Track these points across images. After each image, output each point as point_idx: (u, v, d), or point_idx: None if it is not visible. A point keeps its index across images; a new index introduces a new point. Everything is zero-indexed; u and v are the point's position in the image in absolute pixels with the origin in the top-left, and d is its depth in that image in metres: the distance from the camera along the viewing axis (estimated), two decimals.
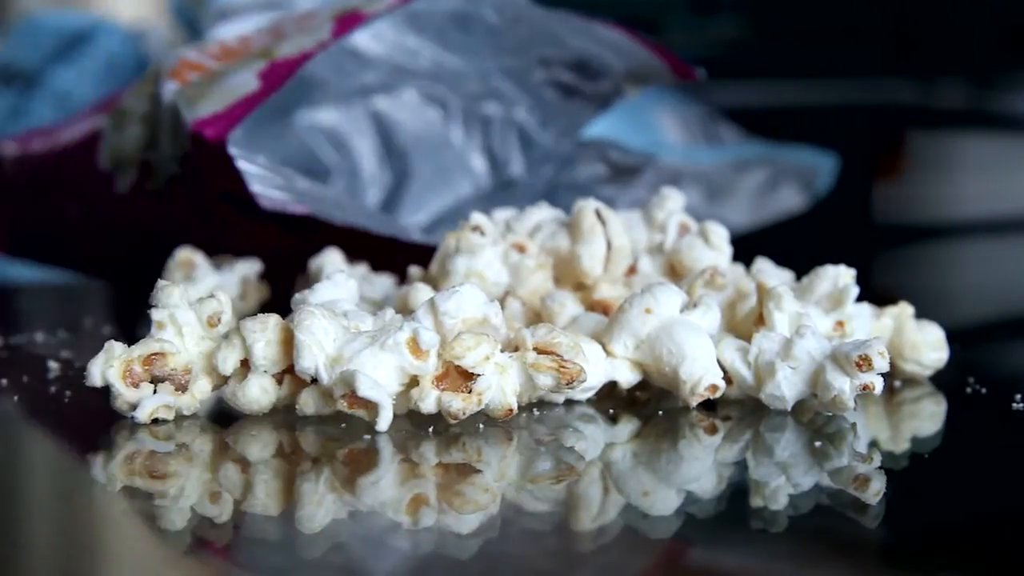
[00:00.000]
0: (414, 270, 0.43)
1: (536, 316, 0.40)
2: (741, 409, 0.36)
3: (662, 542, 0.26)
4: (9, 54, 0.86)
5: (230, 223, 0.50)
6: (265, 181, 0.47)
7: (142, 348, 0.34)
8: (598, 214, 0.40)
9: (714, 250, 0.41)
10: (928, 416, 0.37)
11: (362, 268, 0.47)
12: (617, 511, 0.28)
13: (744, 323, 0.38)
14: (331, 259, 0.46)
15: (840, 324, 0.38)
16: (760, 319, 0.37)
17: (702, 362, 0.35)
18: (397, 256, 0.48)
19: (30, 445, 0.36)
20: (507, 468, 0.31)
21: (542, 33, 0.56)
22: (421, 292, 0.39)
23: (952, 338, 0.40)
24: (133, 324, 0.51)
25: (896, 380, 0.40)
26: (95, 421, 0.36)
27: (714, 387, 0.35)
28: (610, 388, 0.36)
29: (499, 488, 0.29)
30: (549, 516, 0.28)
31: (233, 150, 0.46)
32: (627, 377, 0.36)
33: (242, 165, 0.47)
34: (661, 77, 0.57)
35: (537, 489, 0.29)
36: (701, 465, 0.32)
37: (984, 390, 0.38)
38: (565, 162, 0.64)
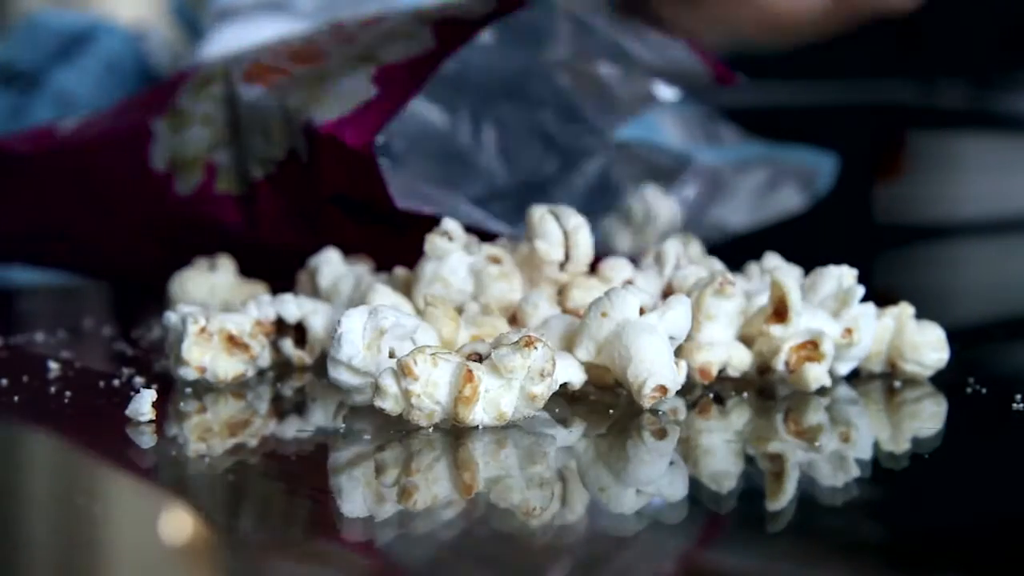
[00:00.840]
0: (400, 271, 0.43)
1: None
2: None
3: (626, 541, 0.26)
4: (9, 54, 0.86)
5: (334, 224, 0.50)
6: (395, 184, 0.48)
7: None
8: (550, 211, 0.41)
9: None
10: (928, 416, 0.37)
11: (361, 267, 0.47)
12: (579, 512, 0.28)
13: (755, 321, 0.38)
14: (329, 258, 0.46)
15: (848, 331, 0.37)
16: (774, 316, 0.37)
17: (648, 363, 0.34)
18: None
19: (30, 445, 0.36)
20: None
21: (586, 29, 0.56)
22: (379, 294, 0.40)
23: (952, 338, 0.40)
24: (132, 324, 0.51)
25: (896, 380, 0.40)
26: (95, 421, 0.36)
27: (662, 388, 0.34)
28: (575, 391, 0.36)
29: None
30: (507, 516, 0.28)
31: (381, 157, 0.47)
32: (575, 378, 0.36)
33: (384, 170, 0.48)
34: (701, 78, 0.57)
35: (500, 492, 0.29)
36: (651, 469, 0.31)
37: (984, 390, 0.38)
38: (603, 163, 0.64)
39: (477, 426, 0.33)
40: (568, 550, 0.26)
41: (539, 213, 0.41)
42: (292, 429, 0.35)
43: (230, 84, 0.52)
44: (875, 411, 0.37)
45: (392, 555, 0.25)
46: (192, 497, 0.29)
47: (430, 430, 0.33)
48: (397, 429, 0.33)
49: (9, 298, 0.65)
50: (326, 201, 0.49)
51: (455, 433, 0.33)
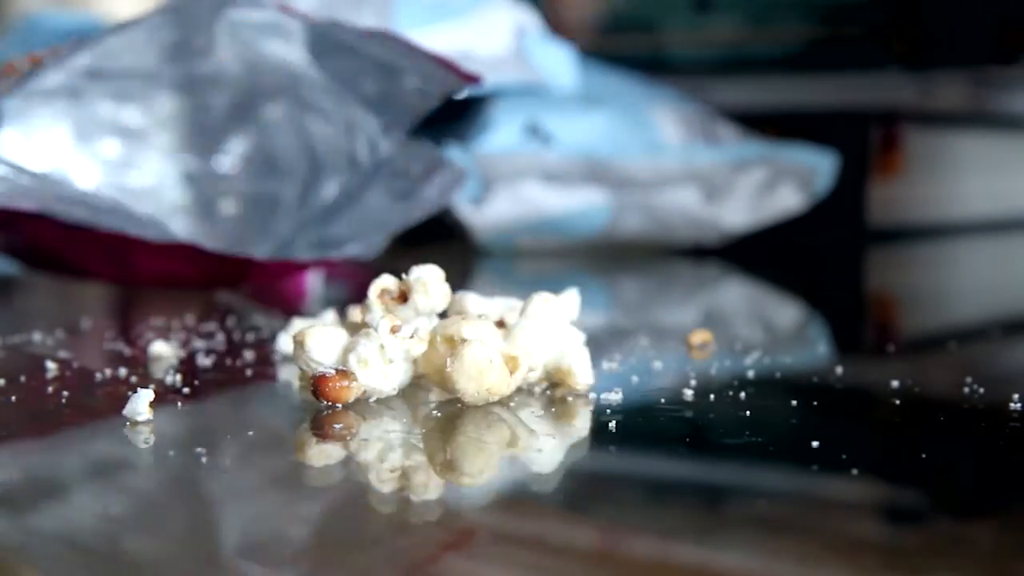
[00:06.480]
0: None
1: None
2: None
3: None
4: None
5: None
6: None
7: None
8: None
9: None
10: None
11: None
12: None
13: None
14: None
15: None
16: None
17: None
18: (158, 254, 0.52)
19: (28, 445, 0.36)
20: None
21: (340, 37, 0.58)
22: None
23: (950, 338, 0.40)
24: (131, 324, 0.51)
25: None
26: (93, 422, 0.36)
27: None
28: None
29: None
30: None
31: None
32: None
33: None
34: (450, 83, 0.57)
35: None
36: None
37: (982, 390, 0.38)
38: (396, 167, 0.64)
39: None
40: None
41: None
42: (288, 427, 0.36)
43: None
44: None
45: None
46: (190, 497, 0.29)
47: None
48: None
49: (6, 297, 0.65)
50: None
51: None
